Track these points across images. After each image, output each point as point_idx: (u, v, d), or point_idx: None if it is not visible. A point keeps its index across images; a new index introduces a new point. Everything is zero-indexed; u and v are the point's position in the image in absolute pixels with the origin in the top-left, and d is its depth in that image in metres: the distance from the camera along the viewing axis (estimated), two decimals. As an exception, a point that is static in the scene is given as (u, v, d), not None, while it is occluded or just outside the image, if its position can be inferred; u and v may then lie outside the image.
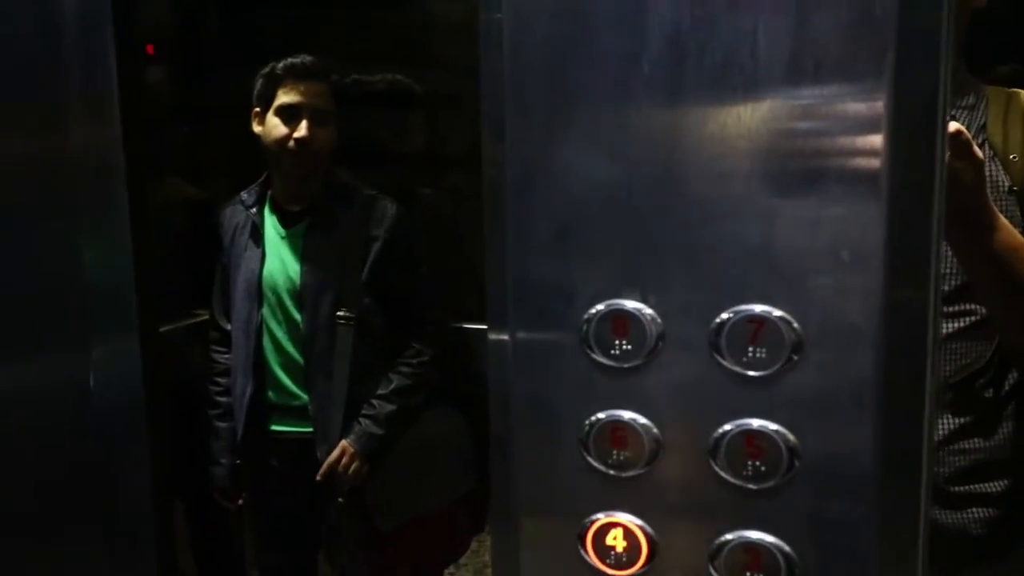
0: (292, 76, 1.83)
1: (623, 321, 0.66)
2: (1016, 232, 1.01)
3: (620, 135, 0.65)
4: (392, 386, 1.90)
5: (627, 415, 0.67)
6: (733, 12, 0.61)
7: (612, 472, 0.67)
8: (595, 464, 0.68)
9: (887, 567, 0.63)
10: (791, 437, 0.63)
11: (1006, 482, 1.19)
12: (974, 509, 1.20)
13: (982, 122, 1.14)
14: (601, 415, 0.67)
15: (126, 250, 0.89)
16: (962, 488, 1.19)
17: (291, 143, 1.81)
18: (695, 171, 0.64)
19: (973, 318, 1.14)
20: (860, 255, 0.60)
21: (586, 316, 0.67)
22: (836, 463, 0.63)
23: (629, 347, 0.66)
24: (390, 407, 1.89)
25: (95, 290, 0.90)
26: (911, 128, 0.59)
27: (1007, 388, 1.17)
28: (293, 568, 2.07)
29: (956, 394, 1.16)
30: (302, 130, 1.80)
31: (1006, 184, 1.11)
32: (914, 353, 0.61)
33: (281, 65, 1.84)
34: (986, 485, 1.19)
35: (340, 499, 1.90)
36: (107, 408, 0.91)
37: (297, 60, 1.84)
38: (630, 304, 0.66)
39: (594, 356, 0.67)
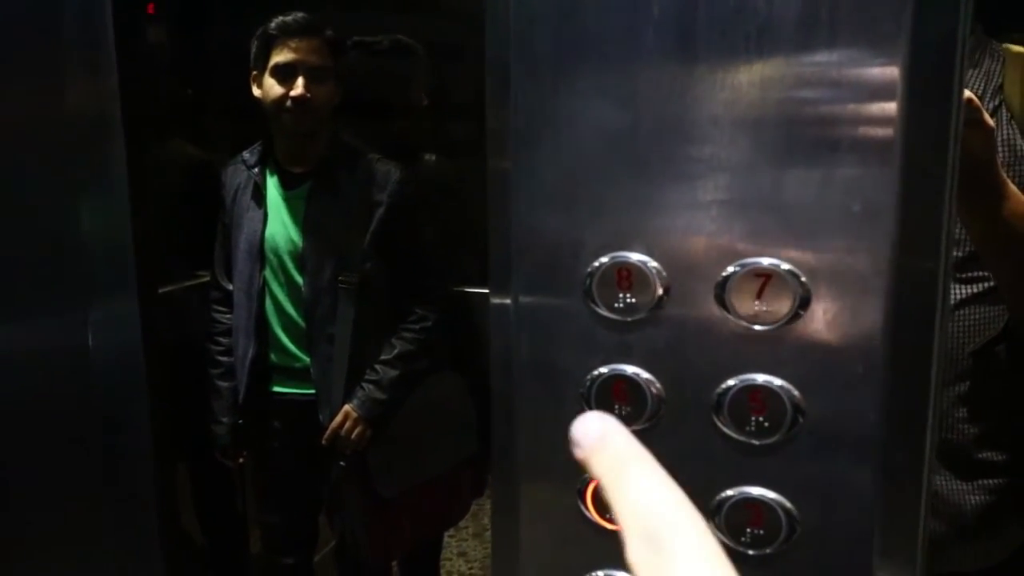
0: (284, 34, 1.81)
1: (627, 274, 0.65)
2: None
3: (628, 84, 0.63)
4: (395, 351, 1.89)
5: (630, 369, 0.66)
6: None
7: (614, 427, 0.66)
8: (596, 419, 0.67)
9: (888, 527, 0.62)
10: (796, 393, 0.62)
11: (1009, 455, 1.18)
12: (982, 480, 1.19)
13: (999, 83, 1.12)
14: (603, 369, 0.67)
15: (124, 209, 0.88)
16: (976, 456, 1.18)
17: (288, 102, 1.79)
18: (704, 122, 0.62)
19: (989, 283, 1.13)
20: (871, 210, 0.59)
21: (590, 269, 0.65)
22: (840, 421, 0.62)
23: (633, 300, 0.65)
24: (393, 372, 1.89)
25: (93, 250, 0.89)
26: (927, 89, 0.57)
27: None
28: (294, 528, 2.08)
29: (975, 360, 1.15)
30: (298, 88, 1.78)
31: (1023, 147, 1.09)
32: (923, 314, 0.60)
33: (273, 24, 1.82)
34: (995, 454, 1.18)
35: (342, 463, 1.90)
36: (106, 370, 0.90)
37: (288, 18, 1.82)
38: (635, 257, 0.64)
39: (597, 310, 0.66)
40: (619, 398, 0.66)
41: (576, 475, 0.68)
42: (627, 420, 0.66)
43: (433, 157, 2.13)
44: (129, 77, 0.87)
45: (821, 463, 0.63)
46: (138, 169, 0.89)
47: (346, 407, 1.87)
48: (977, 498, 1.19)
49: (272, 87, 1.81)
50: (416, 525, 2.06)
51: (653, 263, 0.64)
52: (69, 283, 0.89)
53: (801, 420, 0.62)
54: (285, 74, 1.80)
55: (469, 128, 2.30)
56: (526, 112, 0.66)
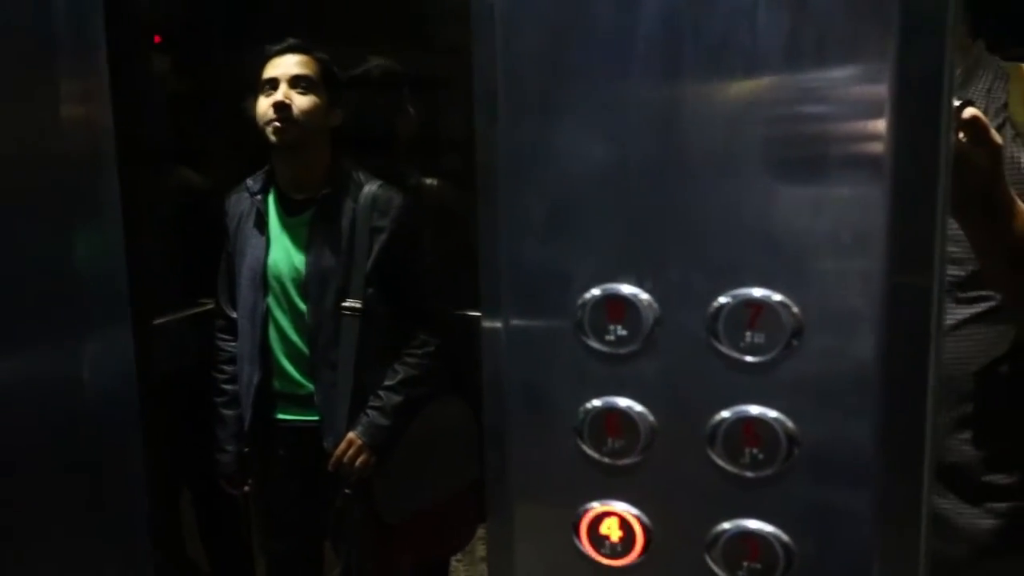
0: (274, 55, 1.85)
1: (619, 306, 0.64)
2: None
3: (616, 115, 0.63)
4: (399, 377, 1.89)
5: (623, 402, 0.65)
6: (732, -11, 0.59)
7: (607, 460, 0.66)
8: (590, 452, 0.66)
9: (888, 558, 0.61)
10: (790, 424, 0.61)
11: (1016, 477, 1.17)
12: (990, 503, 1.18)
13: (1003, 101, 1.12)
14: (596, 402, 0.66)
15: (118, 239, 0.88)
16: (982, 479, 1.17)
17: (271, 111, 1.80)
18: (693, 152, 0.62)
19: (992, 303, 1.12)
20: (862, 238, 0.58)
21: (581, 301, 0.65)
22: (836, 451, 0.61)
23: (625, 332, 0.64)
24: (397, 398, 1.88)
25: (87, 280, 0.88)
26: (915, 108, 0.57)
27: None
28: (298, 556, 2.07)
29: (978, 381, 1.14)
30: (279, 95, 1.80)
31: None
32: (917, 339, 0.59)
33: (265, 49, 1.85)
34: (1002, 476, 1.17)
35: (347, 490, 1.89)
36: (100, 402, 0.90)
37: (280, 42, 1.85)
38: (626, 288, 0.64)
39: (589, 342, 0.65)
40: (612, 431, 0.66)
41: (571, 507, 0.68)
42: (620, 454, 0.65)
43: (435, 182, 2.14)
44: (124, 104, 0.87)
45: (817, 494, 0.62)
46: (132, 199, 0.89)
47: (350, 434, 1.87)
48: (987, 522, 1.18)
49: (261, 102, 1.83)
50: (421, 551, 2.05)
51: (644, 295, 0.64)
52: (62, 315, 0.89)
53: (796, 451, 0.61)
54: (271, 87, 1.82)
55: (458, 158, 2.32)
56: (515, 142, 0.66)
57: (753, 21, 0.59)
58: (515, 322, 0.68)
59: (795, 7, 0.58)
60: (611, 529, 0.66)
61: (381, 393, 1.89)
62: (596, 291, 0.65)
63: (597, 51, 0.63)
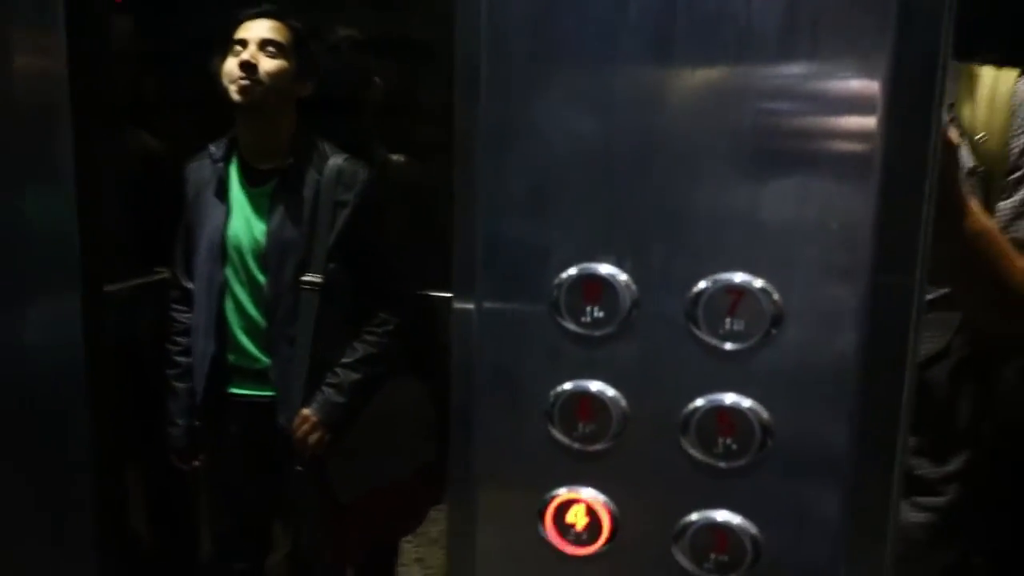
0: (246, 19, 1.81)
1: (596, 287, 0.62)
2: (984, 216, 0.99)
3: (603, 91, 0.61)
4: (357, 355, 1.86)
5: (595, 386, 0.63)
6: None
7: (576, 446, 0.64)
8: (559, 437, 0.64)
9: (856, 552, 0.60)
10: (764, 414, 0.60)
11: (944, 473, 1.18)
12: (918, 498, 1.19)
13: (950, 101, 1.12)
14: (568, 385, 0.64)
15: (70, 199, 0.84)
16: (912, 473, 1.18)
17: (236, 69, 1.75)
18: (679, 133, 0.60)
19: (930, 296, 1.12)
20: (848, 229, 0.57)
21: (557, 281, 0.63)
22: (810, 444, 0.60)
23: (601, 314, 0.62)
24: (355, 376, 1.85)
25: (33, 242, 0.84)
26: (908, 103, 0.56)
27: (967, 376, 1.16)
28: (247, 534, 2.03)
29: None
30: (246, 55, 1.75)
31: (969, 165, 1.09)
32: (897, 334, 0.58)
33: (239, 13, 1.81)
34: (932, 470, 1.18)
35: (299, 467, 1.86)
36: (44, 375, 0.85)
37: (254, 7, 1.81)
38: (604, 269, 0.62)
39: (563, 323, 0.63)
40: (583, 415, 0.64)
41: (537, 493, 0.66)
42: (591, 438, 0.64)
43: (401, 158, 2.10)
44: (80, 56, 0.82)
45: (789, 487, 0.61)
46: (87, 158, 0.84)
47: (305, 411, 1.83)
48: (917, 516, 1.19)
49: (227, 62, 1.78)
50: (373, 531, 2.03)
51: (623, 276, 0.62)
52: (5, 278, 0.84)
53: (770, 443, 0.60)
54: (240, 49, 1.77)
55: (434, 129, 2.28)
56: (496, 116, 0.64)
57: (748, 4, 0.57)
58: (488, 301, 0.65)
59: (789, -7, 0.56)
60: (577, 516, 0.65)
61: (339, 370, 1.85)
62: (573, 271, 0.63)
63: (586, 22, 0.61)
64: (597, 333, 0.63)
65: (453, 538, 0.70)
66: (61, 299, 0.84)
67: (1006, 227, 1.08)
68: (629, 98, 0.61)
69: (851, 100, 0.57)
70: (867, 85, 0.57)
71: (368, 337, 1.87)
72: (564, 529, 0.65)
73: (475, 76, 0.64)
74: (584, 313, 0.63)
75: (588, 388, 0.63)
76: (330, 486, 1.89)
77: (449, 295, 0.68)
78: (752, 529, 0.61)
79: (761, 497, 0.61)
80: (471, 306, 0.66)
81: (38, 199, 0.84)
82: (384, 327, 1.88)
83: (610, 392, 0.63)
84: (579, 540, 0.65)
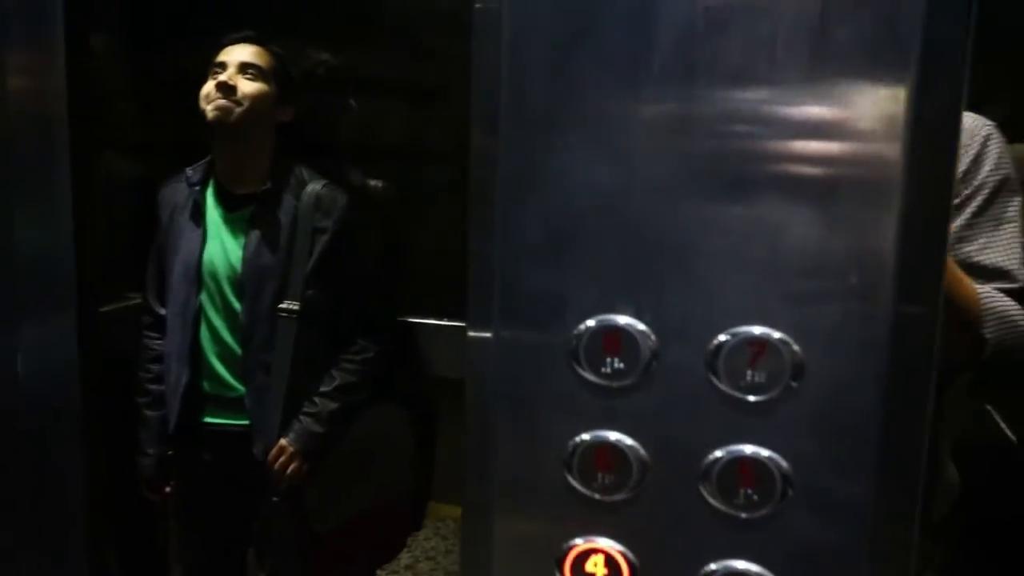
0: (227, 43, 1.79)
1: (615, 337, 0.62)
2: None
3: (623, 139, 0.61)
4: (335, 383, 1.83)
5: (614, 436, 0.63)
6: (751, 15, 0.58)
7: (596, 496, 0.64)
8: (578, 487, 0.64)
9: (876, 602, 0.61)
10: (784, 464, 0.61)
11: None
12: None
13: None
14: (586, 436, 0.64)
15: (66, 219, 0.81)
16: None
17: (214, 90, 1.73)
18: (699, 182, 0.61)
19: None
20: (868, 279, 0.58)
21: (576, 331, 0.63)
22: (831, 492, 0.60)
23: (621, 365, 0.62)
24: (333, 405, 1.82)
25: (28, 262, 0.81)
26: (928, 147, 0.57)
27: None
28: (219, 566, 1.98)
29: None
30: (224, 76, 1.73)
31: None
32: (916, 382, 0.59)
33: (222, 38, 1.79)
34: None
35: (275, 498, 1.82)
36: (38, 397, 0.83)
37: (237, 32, 1.80)
38: (623, 320, 0.62)
39: (583, 373, 0.63)
40: (602, 465, 0.63)
41: (556, 542, 0.65)
42: (610, 488, 0.64)
43: (380, 184, 2.09)
44: (79, 75, 0.80)
45: (809, 536, 0.61)
46: (84, 178, 0.82)
47: (282, 441, 1.80)
48: None
49: (206, 85, 1.75)
50: (351, 561, 1.99)
51: (642, 327, 0.62)
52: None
53: (790, 492, 0.61)
54: (217, 71, 1.75)
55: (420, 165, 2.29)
56: (515, 162, 0.64)
57: (772, 51, 0.58)
58: (506, 349, 0.65)
59: (815, 36, 0.57)
60: (597, 567, 0.64)
61: (316, 399, 1.82)
62: (592, 321, 0.63)
63: (606, 72, 0.61)
64: (616, 384, 0.63)
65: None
66: (55, 320, 0.81)
67: (950, 249, 1.11)
68: (649, 147, 0.61)
69: (872, 149, 0.58)
70: (888, 135, 0.58)
71: (346, 365, 1.85)
72: (582, 579, 0.65)
73: (492, 121, 0.64)
74: (604, 364, 0.63)
75: (607, 438, 0.63)
76: (306, 516, 1.85)
77: (427, 321, 0.67)
78: (772, 578, 0.62)
79: (782, 546, 0.61)
80: (489, 349, 0.66)
81: (34, 219, 0.82)
82: (363, 355, 1.85)
83: (628, 442, 0.63)
84: (597, 591, 0.65)
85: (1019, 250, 1.08)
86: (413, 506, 2.06)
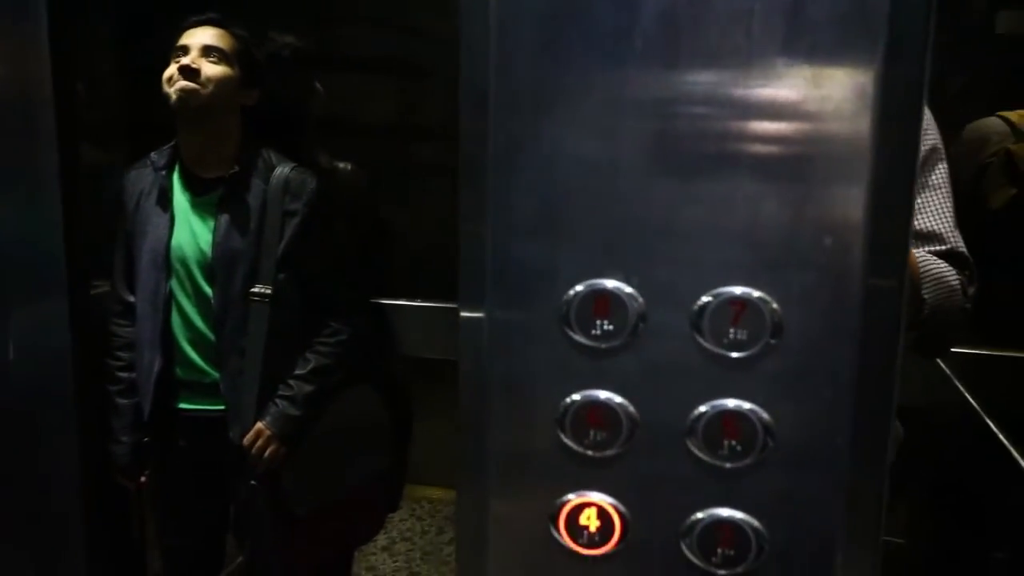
0: (189, 26, 1.78)
1: (604, 301, 0.65)
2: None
3: (609, 112, 0.64)
4: (310, 366, 1.84)
5: (604, 395, 0.67)
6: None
7: (588, 452, 0.67)
8: (571, 444, 0.67)
9: (851, 541, 0.65)
10: (765, 416, 0.64)
11: None
12: None
13: None
14: (577, 396, 0.67)
15: (55, 204, 0.82)
16: None
17: (176, 73, 1.72)
18: (683, 151, 0.64)
19: None
20: (842, 240, 0.62)
21: (566, 296, 0.66)
22: (809, 443, 0.64)
23: (610, 327, 0.65)
24: (308, 388, 1.83)
25: (16, 246, 0.82)
26: (895, 118, 0.61)
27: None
28: (199, 551, 1.99)
29: None
30: (187, 60, 1.73)
31: None
32: (886, 336, 0.63)
33: (184, 20, 1.78)
34: None
35: (253, 482, 1.83)
36: (29, 383, 0.84)
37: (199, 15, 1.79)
38: (611, 284, 0.65)
39: (574, 336, 0.66)
40: (594, 423, 0.67)
41: (550, 498, 0.69)
42: (602, 445, 0.67)
43: (349, 166, 2.09)
44: (63, 58, 0.80)
45: (789, 483, 0.65)
46: (72, 162, 0.83)
47: (259, 424, 1.81)
48: None
49: (168, 68, 1.74)
50: (329, 543, 2.01)
51: (630, 290, 0.65)
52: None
53: (771, 443, 0.65)
54: (181, 55, 1.74)
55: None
56: (504, 137, 0.66)
57: (749, 25, 0.61)
58: (498, 315, 0.68)
59: (789, 15, 0.60)
60: (590, 519, 0.68)
61: (291, 382, 1.83)
62: (581, 286, 0.66)
63: (592, 47, 0.64)
64: (605, 345, 0.66)
65: (463, 546, 0.72)
66: (46, 305, 0.82)
67: None
68: (635, 119, 0.64)
69: (845, 121, 0.62)
70: (860, 104, 0.61)
71: (320, 348, 1.86)
72: (576, 532, 0.68)
73: (481, 101, 0.67)
74: (593, 326, 0.66)
75: (598, 397, 0.67)
76: (284, 499, 1.87)
77: (399, 302, 0.70)
78: (756, 523, 0.66)
79: (764, 494, 0.66)
80: (480, 315, 0.69)
81: (21, 204, 0.82)
82: (337, 337, 1.87)
83: (618, 400, 0.67)
84: (592, 542, 0.68)
85: (949, 214, 1.14)
86: (389, 487, 2.08)
